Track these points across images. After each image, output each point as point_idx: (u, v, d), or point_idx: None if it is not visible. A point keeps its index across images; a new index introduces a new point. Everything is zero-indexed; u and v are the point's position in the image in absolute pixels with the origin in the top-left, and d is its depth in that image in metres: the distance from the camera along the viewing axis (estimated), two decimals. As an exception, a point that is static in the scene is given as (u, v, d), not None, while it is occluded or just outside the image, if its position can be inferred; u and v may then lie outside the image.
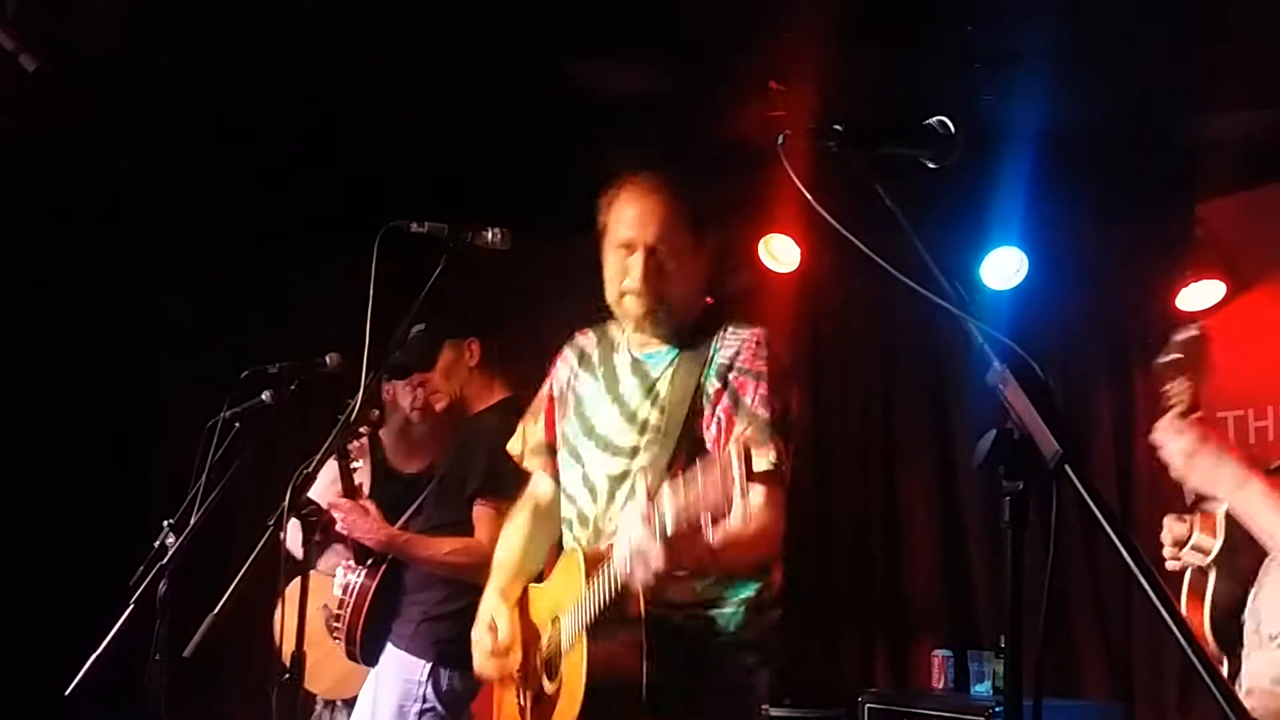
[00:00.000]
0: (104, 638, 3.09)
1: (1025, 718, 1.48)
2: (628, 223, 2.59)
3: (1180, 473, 2.38)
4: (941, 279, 1.54)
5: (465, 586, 3.68)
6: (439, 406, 3.92)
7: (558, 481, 2.83)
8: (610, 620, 2.38)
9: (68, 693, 3.10)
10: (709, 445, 2.53)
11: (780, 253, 5.32)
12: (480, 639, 2.74)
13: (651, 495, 2.16)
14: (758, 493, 2.42)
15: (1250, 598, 2.41)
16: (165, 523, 3.51)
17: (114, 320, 6.37)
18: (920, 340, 5.49)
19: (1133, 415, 5.23)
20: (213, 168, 5.29)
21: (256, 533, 2.73)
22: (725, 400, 2.53)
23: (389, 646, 3.75)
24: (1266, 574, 2.39)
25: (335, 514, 3.72)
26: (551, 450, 2.85)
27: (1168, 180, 5.00)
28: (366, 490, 4.06)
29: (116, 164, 5.15)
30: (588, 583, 2.42)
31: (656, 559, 2.14)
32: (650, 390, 2.63)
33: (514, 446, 2.94)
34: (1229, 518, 2.46)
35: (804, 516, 5.63)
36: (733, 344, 2.58)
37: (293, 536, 2.72)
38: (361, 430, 3.93)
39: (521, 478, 3.48)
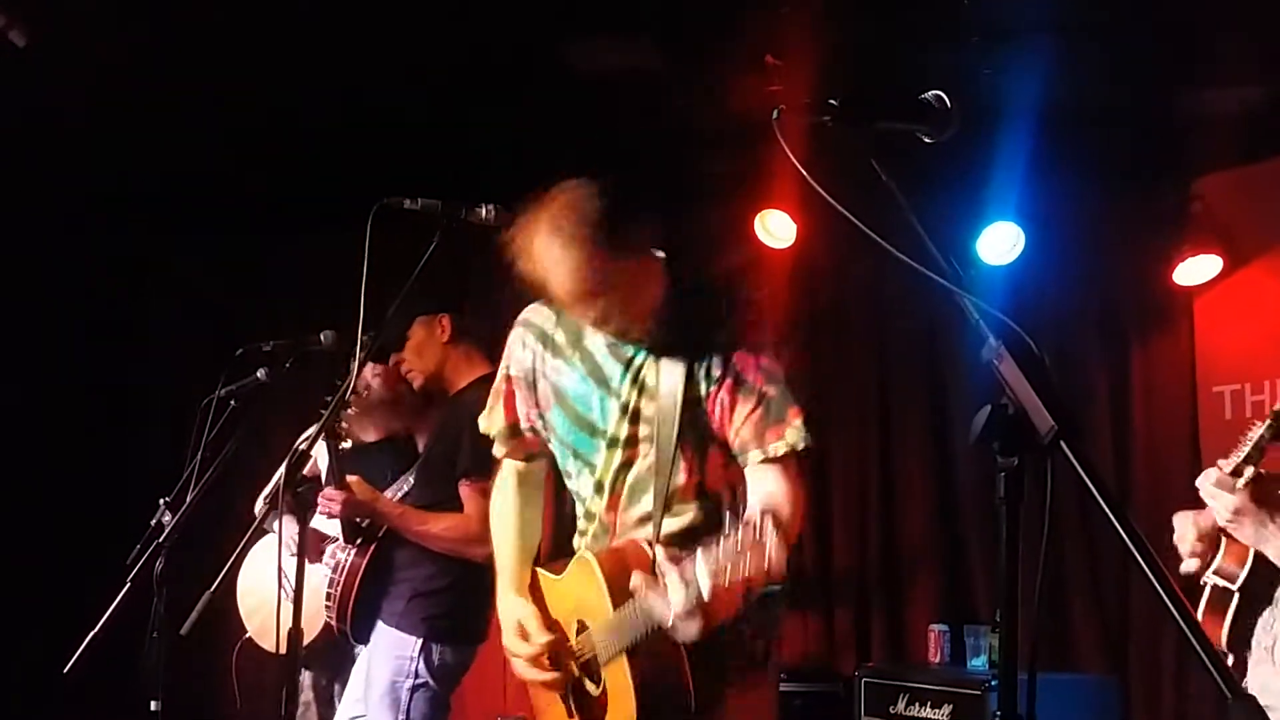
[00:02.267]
0: (101, 616, 3.10)
1: (1021, 691, 1.48)
2: (548, 276, 2.39)
3: (1226, 525, 2.50)
4: (937, 254, 1.53)
5: (454, 562, 3.70)
6: (415, 384, 3.92)
7: (527, 459, 2.81)
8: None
9: (66, 670, 3.11)
10: (714, 430, 2.47)
11: (776, 228, 5.30)
12: (515, 647, 2.63)
13: (666, 549, 2.24)
14: (776, 475, 2.40)
15: (1269, 616, 2.52)
16: (161, 501, 3.51)
17: (113, 298, 6.35)
18: (916, 316, 5.48)
19: (1129, 390, 5.23)
20: (209, 144, 5.26)
21: (252, 510, 2.73)
22: (728, 381, 2.45)
23: (380, 624, 3.76)
24: None
25: (331, 506, 3.72)
26: (515, 432, 2.78)
27: (1165, 155, 4.99)
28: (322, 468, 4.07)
29: (119, 136, 5.13)
30: (614, 604, 2.40)
31: (696, 624, 2.11)
32: (636, 376, 2.54)
33: (484, 424, 2.85)
34: (1258, 553, 2.57)
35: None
36: (726, 324, 2.50)
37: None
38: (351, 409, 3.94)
39: None
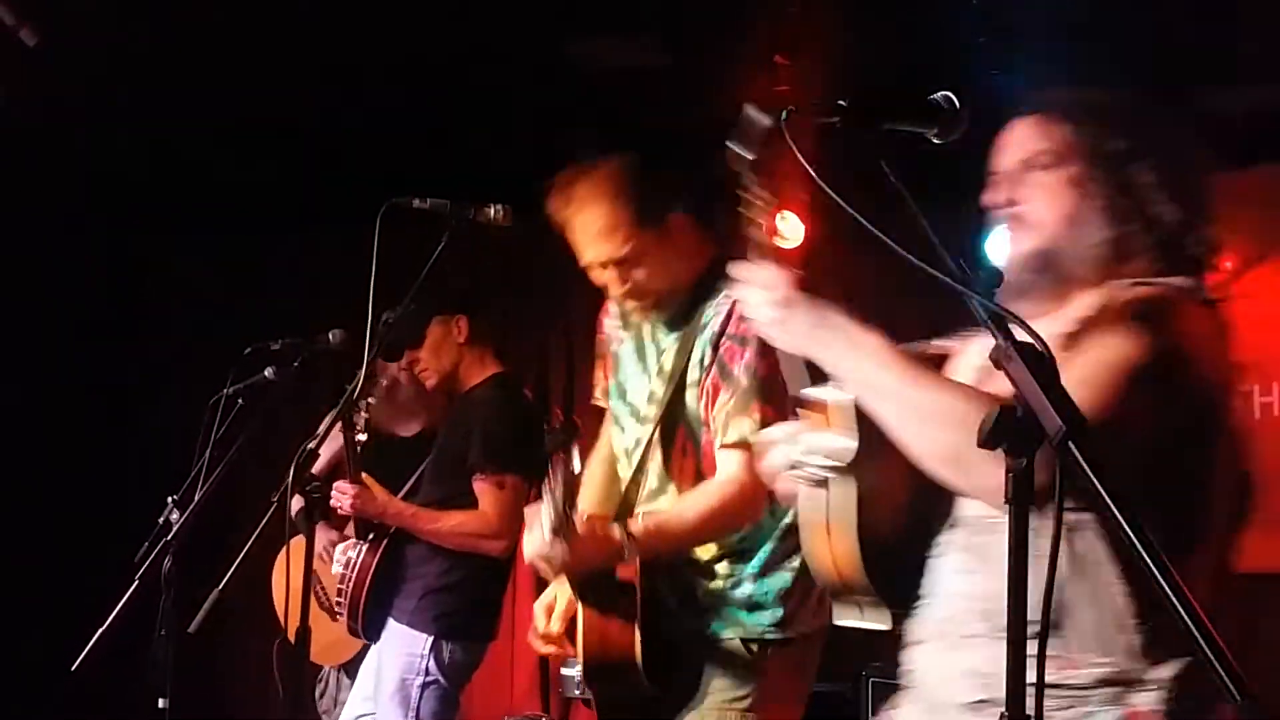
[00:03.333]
0: (109, 614, 3.11)
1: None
2: (581, 245, 2.62)
3: (776, 340, 1.61)
4: (946, 255, 1.53)
5: (465, 559, 3.72)
6: (429, 384, 3.94)
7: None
8: (604, 588, 2.44)
9: (74, 668, 3.11)
10: (703, 417, 2.56)
11: (784, 229, 5.30)
12: (537, 615, 2.72)
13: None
14: (732, 459, 2.48)
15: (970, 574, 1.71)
16: (169, 499, 3.52)
17: (117, 297, 6.36)
18: (924, 316, 5.47)
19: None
20: (209, 144, 5.27)
21: (260, 509, 2.74)
22: (715, 370, 2.54)
23: (391, 621, 3.77)
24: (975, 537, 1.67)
25: (343, 500, 3.73)
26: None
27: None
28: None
29: (121, 134, 5.13)
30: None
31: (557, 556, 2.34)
32: (658, 357, 2.69)
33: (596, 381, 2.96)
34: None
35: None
36: (723, 309, 2.55)
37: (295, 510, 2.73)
38: (364, 405, 3.95)
39: (517, 450, 3.50)
